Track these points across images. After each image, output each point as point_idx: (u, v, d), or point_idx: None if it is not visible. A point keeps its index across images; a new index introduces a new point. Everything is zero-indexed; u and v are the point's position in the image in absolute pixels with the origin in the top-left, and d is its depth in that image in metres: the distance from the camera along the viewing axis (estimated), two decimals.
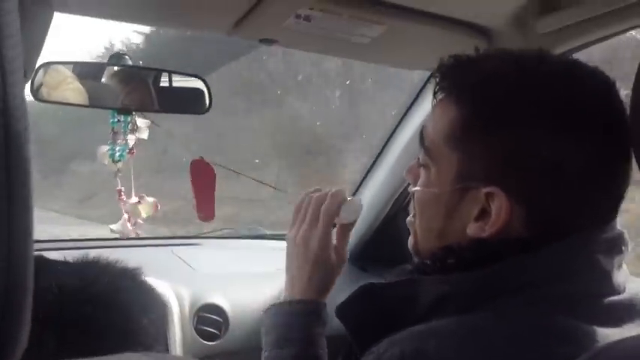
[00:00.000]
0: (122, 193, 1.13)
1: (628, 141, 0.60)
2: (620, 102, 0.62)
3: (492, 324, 0.56)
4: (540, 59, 0.64)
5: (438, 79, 0.67)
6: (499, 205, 0.60)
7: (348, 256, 0.86)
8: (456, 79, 0.66)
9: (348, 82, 9.03)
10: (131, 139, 1.07)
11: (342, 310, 0.69)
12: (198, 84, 1.09)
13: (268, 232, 1.83)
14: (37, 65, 0.95)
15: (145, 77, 1.09)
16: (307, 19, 0.91)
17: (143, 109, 1.07)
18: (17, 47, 0.26)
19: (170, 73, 1.10)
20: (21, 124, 0.26)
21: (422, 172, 0.69)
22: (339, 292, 0.77)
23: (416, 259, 0.72)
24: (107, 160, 1.09)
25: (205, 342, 1.27)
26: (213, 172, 1.07)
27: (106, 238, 1.47)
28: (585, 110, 0.60)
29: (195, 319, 1.28)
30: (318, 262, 0.80)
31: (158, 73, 1.10)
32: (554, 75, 0.62)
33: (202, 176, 1.07)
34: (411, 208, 0.75)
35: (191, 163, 1.07)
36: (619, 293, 0.61)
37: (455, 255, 0.64)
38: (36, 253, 0.28)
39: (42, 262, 0.57)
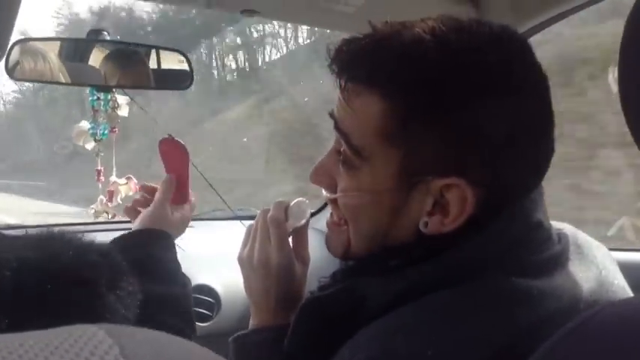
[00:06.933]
0: (101, 174, 1.09)
1: (550, 93, 0.59)
2: (536, 60, 0.59)
3: (453, 302, 0.55)
4: (456, 27, 0.57)
5: (340, 67, 0.59)
6: (461, 197, 0.56)
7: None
8: (368, 64, 0.58)
9: None
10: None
11: (291, 344, 0.64)
12: (179, 59, 1.07)
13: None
14: (10, 42, 0.92)
15: (126, 53, 1.07)
16: None
17: (128, 86, 1.04)
18: None
19: (151, 48, 1.07)
20: None
21: (343, 173, 0.62)
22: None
23: (348, 261, 0.67)
24: (82, 140, 1.06)
25: (197, 323, 1.26)
26: (186, 152, 0.94)
27: (93, 222, 1.45)
28: (515, 72, 0.57)
29: None
30: (282, 275, 0.72)
31: (139, 48, 1.07)
32: (476, 43, 0.57)
33: (175, 156, 0.94)
34: (328, 210, 0.69)
35: (160, 143, 0.94)
36: (554, 245, 0.61)
37: (400, 254, 0.59)
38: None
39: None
